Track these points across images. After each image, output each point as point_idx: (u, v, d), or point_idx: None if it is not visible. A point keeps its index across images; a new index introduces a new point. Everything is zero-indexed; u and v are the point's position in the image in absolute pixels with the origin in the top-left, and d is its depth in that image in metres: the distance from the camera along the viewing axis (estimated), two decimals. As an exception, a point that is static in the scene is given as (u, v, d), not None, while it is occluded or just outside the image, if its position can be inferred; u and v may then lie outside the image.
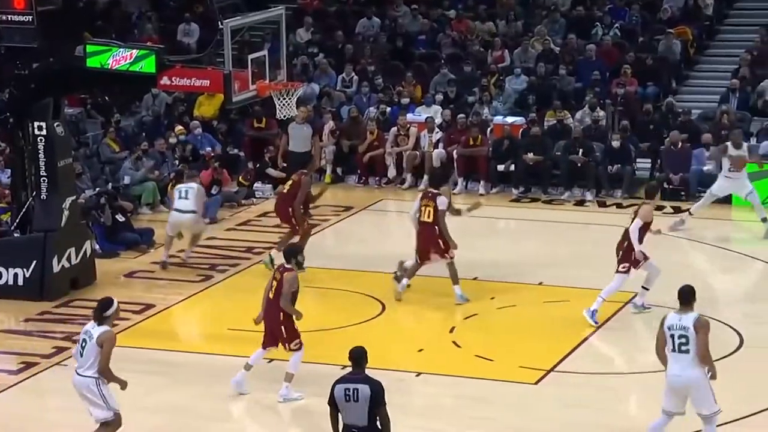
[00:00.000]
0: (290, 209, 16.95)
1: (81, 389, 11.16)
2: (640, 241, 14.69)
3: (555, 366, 13.71)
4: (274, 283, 12.84)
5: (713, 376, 10.72)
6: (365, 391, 9.60)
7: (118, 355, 11.15)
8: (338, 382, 9.77)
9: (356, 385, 9.65)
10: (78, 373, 11.14)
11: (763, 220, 18.25)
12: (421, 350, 14.02)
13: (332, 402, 9.74)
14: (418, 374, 12.98)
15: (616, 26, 24.65)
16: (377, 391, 9.60)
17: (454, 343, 14.52)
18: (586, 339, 14.53)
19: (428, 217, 15.65)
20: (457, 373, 13.53)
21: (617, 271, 14.82)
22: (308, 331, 14.55)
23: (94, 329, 11.10)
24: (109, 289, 16.45)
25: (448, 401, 12.70)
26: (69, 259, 16.43)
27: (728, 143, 18.52)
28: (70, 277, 16.43)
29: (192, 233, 17.73)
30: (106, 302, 11.20)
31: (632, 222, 14.82)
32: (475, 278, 16.53)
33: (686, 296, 10.91)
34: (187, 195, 17.47)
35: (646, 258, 14.80)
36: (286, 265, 12.83)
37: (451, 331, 14.83)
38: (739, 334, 14.29)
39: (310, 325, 14.47)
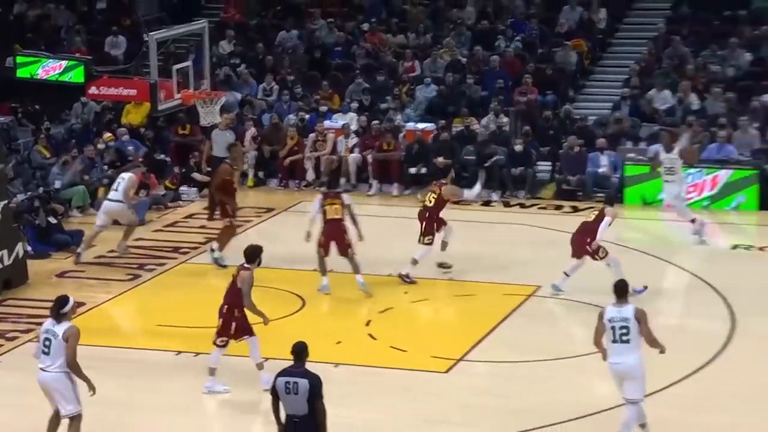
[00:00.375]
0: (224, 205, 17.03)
1: (51, 384, 10.87)
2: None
3: (464, 355, 13.81)
4: (231, 281, 12.77)
5: (663, 351, 10.99)
6: (304, 384, 9.61)
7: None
8: (280, 374, 9.78)
9: (296, 379, 9.66)
10: (46, 371, 10.85)
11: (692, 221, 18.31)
12: (339, 342, 14.00)
13: (274, 392, 9.76)
14: (336, 365, 12.99)
15: (517, 39, 24.83)
16: (315, 384, 9.62)
17: (370, 335, 14.52)
18: (493, 330, 14.65)
19: (336, 214, 15.86)
20: (373, 364, 13.55)
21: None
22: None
23: (56, 327, 10.86)
24: (41, 289, 16.24)
25: (364, 390, 12.72)
26: (2, 261, 16.10)
27: (659, 146, 18.68)
28: (3, 278, 16.11)
29: (124, 224, 17.58)
30: (63, 300, 10.98)
31: (596, 220, 15.23)
32: (389, 274, 16.58)
33: (622, 290, 11.12)
34: (118, 186, 17.40)
35: (606, 252, 15.27)
36: (246, 264, 12.73)
37: (368, 324, 14.83)
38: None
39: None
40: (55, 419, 11.06)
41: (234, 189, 17.13)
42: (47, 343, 10.88)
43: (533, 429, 11.74)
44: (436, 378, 13.23)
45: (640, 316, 10.99)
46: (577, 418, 11.86)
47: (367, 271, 16.08)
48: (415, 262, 16.32)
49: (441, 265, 16.64)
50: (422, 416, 12.22)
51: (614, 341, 10.99)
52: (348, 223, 15.93)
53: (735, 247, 18.32)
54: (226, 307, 12.71)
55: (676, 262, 17.16)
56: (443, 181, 16.75)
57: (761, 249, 18.12)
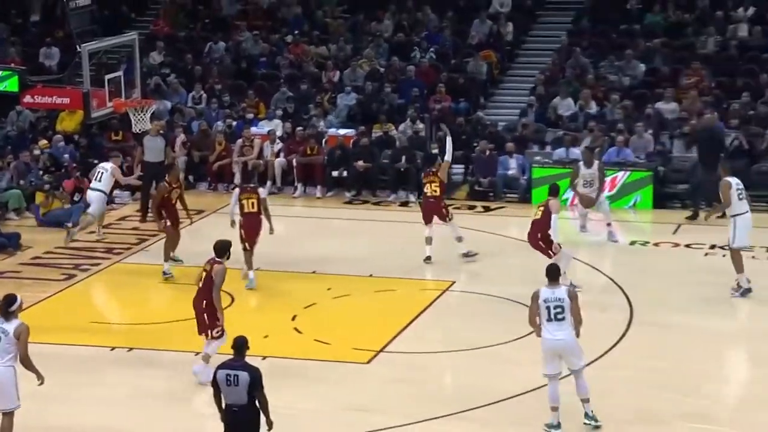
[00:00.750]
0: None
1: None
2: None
3: (384, 347, 13.85)
4: (203, 274, 12.60)
5: (578, 334, 11.25)
6: (244, 377, 9.63)
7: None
8: (220, 367, 9.78)
9: (236, 372, 9.67)
10: None
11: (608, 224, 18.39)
12: (266, 336, 13.93)
13: (215, 384, 9.75)
14: (264, 357, 12.94)
15: (431, 50, 24.92)
16: (255, 376, 9.67)
17: (296, 329, 14.49)
18: (411, 322, 14.71)
19: (253, 207, 15.85)
20: (299, 356, 13.53)
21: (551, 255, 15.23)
22: (165, 322, 14.43)
23: (5, 324, 10.63)
24: (-21, 289, 16.03)
25: (290, 381, 12.70)
26: (-59, 263, 15.88)
27: (580, 163, 18.61)
28: (-58, 279, 15.85)
29: (88, 214, 17.51)
30: (11, 298, 10.79)
31: (543, 216, 15.25)
32: (313, 271, 16.56)
33: (554, 273, 11.31)
34: (101, 177, 17.49)
35: (559, 246, 15.36)
36: (217, 258, 12.60)
37: (293, 318, 14.76)
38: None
39: (168, 317, 14.33)
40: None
41: (173, 205, 16.72)
42: None
43: (450, 414, 11.85)
44: (357, 368, 13.26)
45: (573, 296, 11.28)
46: (492, 403, 11.99)
47: (292, 268, 16.05)
48: (460, 239, 16.85)
49: (466, 255, 16.91)
50: (344, 404, 12.25)
51: (549, 320, 11.19)
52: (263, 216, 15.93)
53: (633, 243, 18.62)
54: (204, 301, 12.58)
55: (579, 258, 17.38)
56: (433, 169, 17.07)
57: (656, 245, 18.44)
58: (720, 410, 12.09)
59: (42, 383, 10.79)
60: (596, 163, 18.44)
